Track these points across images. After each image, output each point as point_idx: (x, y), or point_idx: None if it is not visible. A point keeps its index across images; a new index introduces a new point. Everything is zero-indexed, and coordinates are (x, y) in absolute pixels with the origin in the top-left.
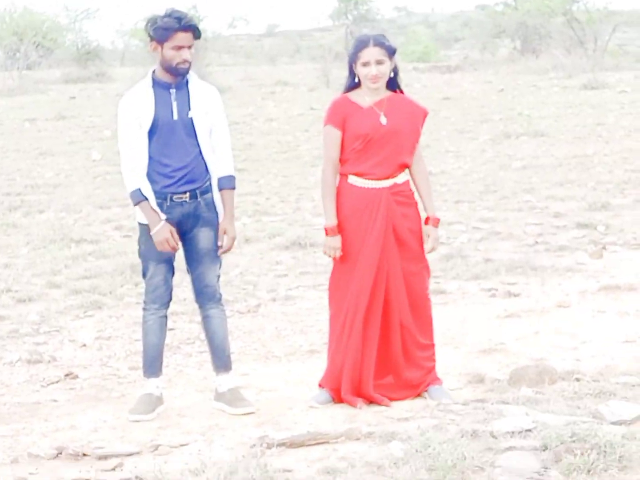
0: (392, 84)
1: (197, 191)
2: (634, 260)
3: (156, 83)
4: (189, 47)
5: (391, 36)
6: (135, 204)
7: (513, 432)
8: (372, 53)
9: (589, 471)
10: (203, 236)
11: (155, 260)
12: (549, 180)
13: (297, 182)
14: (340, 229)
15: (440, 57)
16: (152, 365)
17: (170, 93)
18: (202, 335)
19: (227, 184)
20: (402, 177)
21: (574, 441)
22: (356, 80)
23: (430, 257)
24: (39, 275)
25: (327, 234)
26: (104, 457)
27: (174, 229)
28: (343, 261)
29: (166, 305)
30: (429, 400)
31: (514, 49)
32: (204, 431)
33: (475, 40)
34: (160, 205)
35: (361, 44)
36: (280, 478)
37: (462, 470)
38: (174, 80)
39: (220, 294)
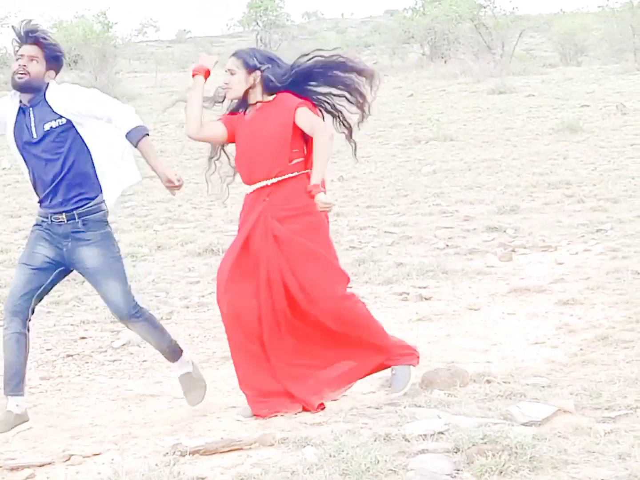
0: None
1: (75, 213)
2: (542, 262)
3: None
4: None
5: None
6: None
7: (425, 435)
8: (228, 63)
9: (500, 472)
10: (87, 255)
11: (20, 262)
12: (459, 184)
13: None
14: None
15: None
16: (9, 383)
17: (28, 112)
18: (115, 344)
19: (135, 135)
20: (278, 179)
21: (485, 443)
22: None
23: (342, 262)
24: None
25: (194, 74)
26: (16, 468)
27: None
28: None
29: (20, 317)
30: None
31: (422, 55)
32: (116, 440)
33: (385, 45)
34: (44, 222)
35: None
36: None
37: (376, 474)
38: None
39: (135, 308)
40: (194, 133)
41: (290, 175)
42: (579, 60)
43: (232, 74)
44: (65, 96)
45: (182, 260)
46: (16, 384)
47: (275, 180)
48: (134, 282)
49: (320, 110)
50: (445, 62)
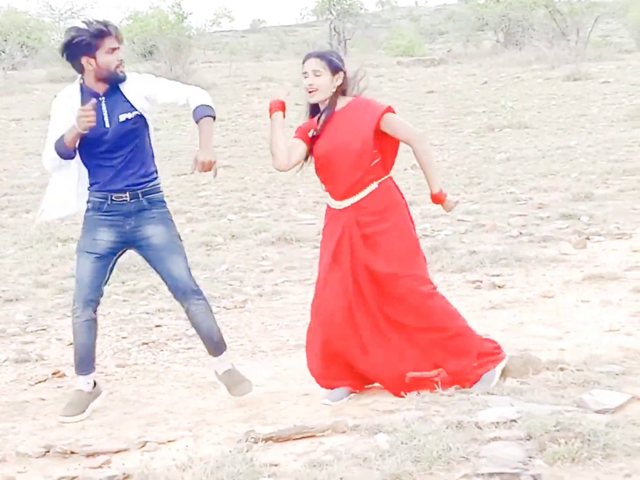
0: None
1: (139, 192)
2: (617, 249)
3: (86, 94)
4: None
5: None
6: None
7: (498, 423)
8: (310, 64)
9: (573, 460)
10: (153, 232)
11: (83, 251)
12: (533, 172)
13: (283, 178)
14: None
15: (424, 51)
16: (81, 364)
17: (101, 101)
18: (189, 332)
19: (200, 112)
20: (363, 194)
21: (558, 430)
22: None
23: None
24: (26, 274)
25: (271, 111)
26: (92, 455)
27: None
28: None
29: (92, 306)
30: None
31: (497, 42)
32: (191, 427)
33: (459, 33)
34: (101, 204)
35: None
36: (267, 472)
37: (448, 461)
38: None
39: (197, 286)
40: (285, 165)
41: (376, 184)
42: None
43: (316, 75)
44: (141, 86)
45: (256, 249)
46: (87, 363)
47: (363, 194)
48: (208, 270)
49: None
50: (519, 49)
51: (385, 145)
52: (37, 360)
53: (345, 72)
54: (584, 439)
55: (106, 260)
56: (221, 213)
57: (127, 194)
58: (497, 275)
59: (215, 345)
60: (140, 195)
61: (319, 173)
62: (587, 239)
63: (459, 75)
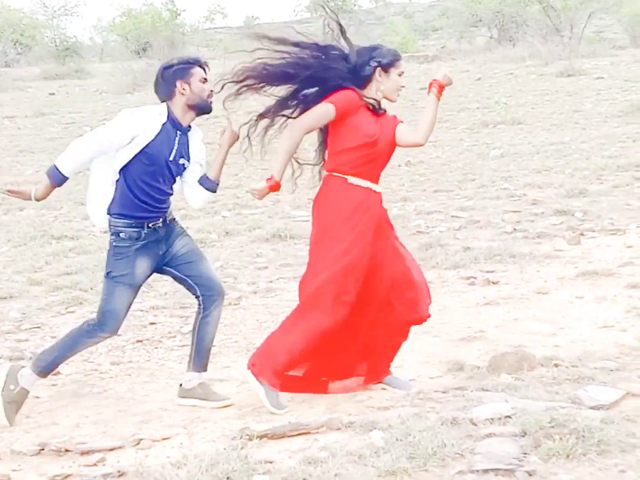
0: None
1: (166, 215)
2: (611, 245)
3: (170, 120)
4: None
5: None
6: (52, 180)
7: (492, 419)
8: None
9: (568, 456)
10: (182, 244)
11: (122, 283)
12: (527, 168)
13: None
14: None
15: (417, 47)
16: (54, 369)
17: (177, 134)
18: (184, 329)
19: (207, 182)
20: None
21: (552, 426)
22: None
23: (408, 247)
24: (20, 272)
25: (269, 184)
26: (86, 453)
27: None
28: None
29: (116, 333)
30: (398, 391)
31: (490, 38)
32: (185, 424)
33: (453, 29)
34: (138, 234)
35: (398, 55)
36: (262, 469)
37: (443, 457)
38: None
39: None
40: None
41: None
42: None
43: None
44: (200, 145)
45: (250, 245)
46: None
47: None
48: None
49: None
50: (513, 45)
51: None
52: (31, 359)
53: None
54: (578, 435)
55: (140, 287)
56: (215, 210)
57: (161, 220)
58: (492, 272)
59: (207, 361)
60: (167, 218)
61: (369, 151)
62: (581, 235)
63: (452, 72)
